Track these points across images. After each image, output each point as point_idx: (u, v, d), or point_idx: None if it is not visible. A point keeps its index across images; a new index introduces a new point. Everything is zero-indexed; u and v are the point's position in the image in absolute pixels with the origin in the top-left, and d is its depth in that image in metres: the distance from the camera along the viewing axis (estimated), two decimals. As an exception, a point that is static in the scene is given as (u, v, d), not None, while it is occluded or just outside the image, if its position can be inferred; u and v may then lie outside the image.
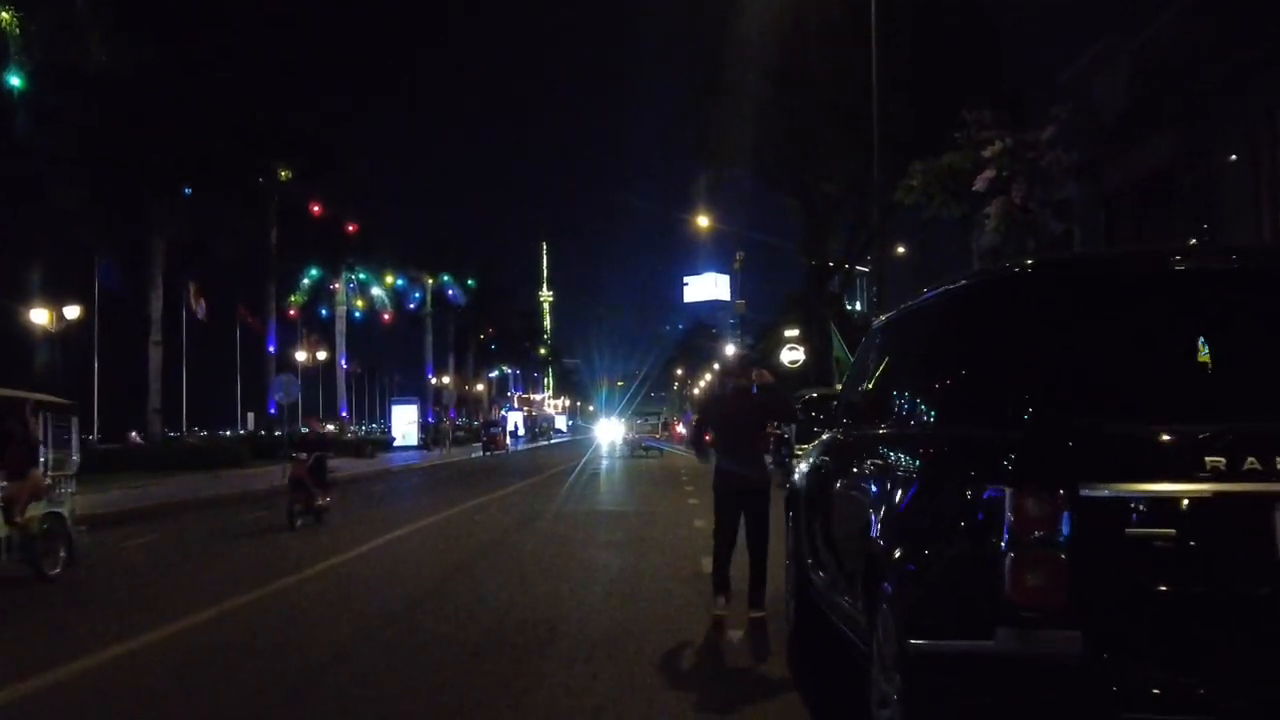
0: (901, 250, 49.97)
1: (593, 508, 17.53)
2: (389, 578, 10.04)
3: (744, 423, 7.60)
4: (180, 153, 35.24)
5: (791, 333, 50.36)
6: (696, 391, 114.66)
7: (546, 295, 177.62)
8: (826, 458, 5.80)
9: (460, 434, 70.04)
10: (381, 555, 11.60)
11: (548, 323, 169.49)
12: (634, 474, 30.49)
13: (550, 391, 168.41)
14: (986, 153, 18.47)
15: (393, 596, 8.85)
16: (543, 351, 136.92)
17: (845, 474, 5.12)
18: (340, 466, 37.27)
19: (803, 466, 6.70)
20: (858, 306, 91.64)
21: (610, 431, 56.78)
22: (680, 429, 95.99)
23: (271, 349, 48.48)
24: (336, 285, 56.09)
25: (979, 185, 18.57)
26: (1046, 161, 18.43)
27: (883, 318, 5.69)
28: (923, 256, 46.86)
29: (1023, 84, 36.60)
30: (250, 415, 58.24)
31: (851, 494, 4.88)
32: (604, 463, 36.42)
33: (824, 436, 6.31)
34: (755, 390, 7.76)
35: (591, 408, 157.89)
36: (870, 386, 5.25)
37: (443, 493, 23.07)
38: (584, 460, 37.06)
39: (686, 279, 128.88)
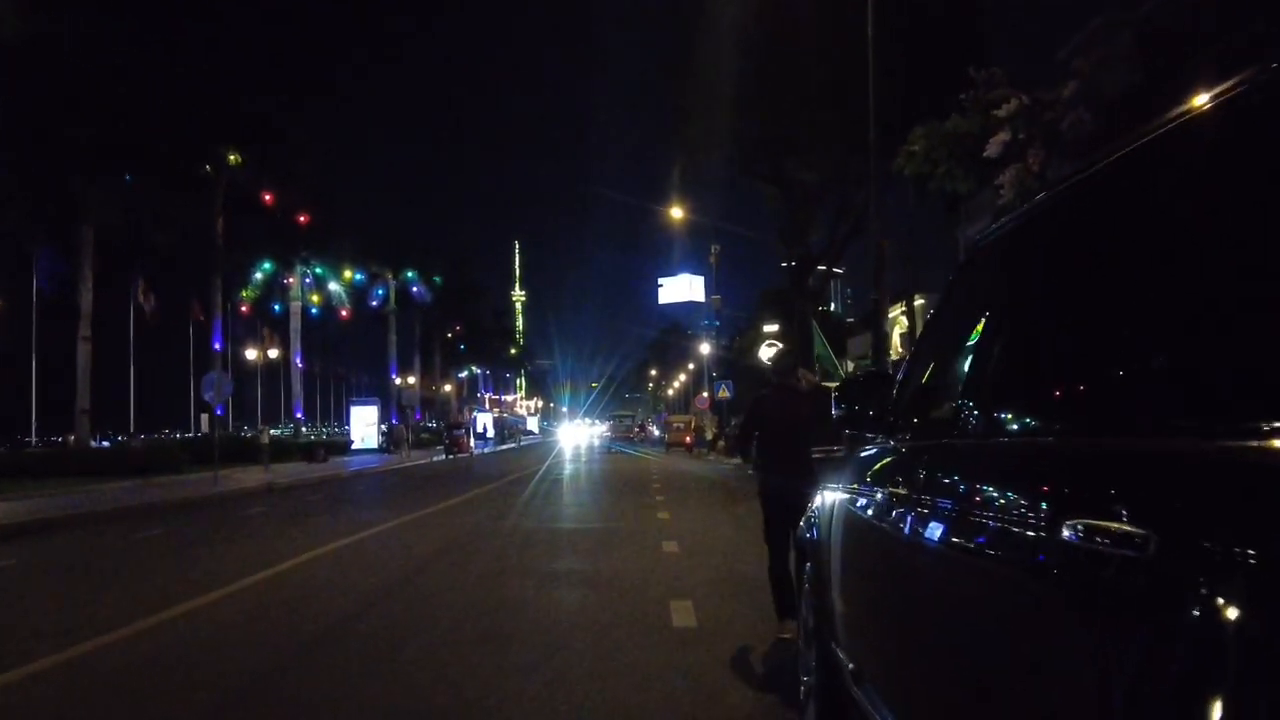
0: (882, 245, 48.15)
1: (547, 524, 14.99)
2: (218, 649, 7.25)
3: (793, 427, 7.04)
4: (111, 132, 32.40)
5: (771, 328, 48.27)
6: (670, 392, 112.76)
7: (519, 295, 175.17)
8: (880, 490, 3.24)
9: (425, 436, 67.35)
10: (247, 600, 9.00)
11: (520, 323, 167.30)
12: (600, 480, 27.98)
13: (522, 393, 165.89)
14: (1001, 111, 16.07)
15: (204, 686, 6.02)
16: (514, 352, 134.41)
17: (928, 527, 2.55)
18: (293, 472, 35.06)
19: (830, 498, 4.18)
20: (833, 308, 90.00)
21: (575, 434, 53.95)
22: (653, 429, 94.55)
23: (217, 346, 45.55)
24: (291, 280, 53.25)
25: (991, 150, 16.16)
26: (1068, 123, 16.04)
27: (997, 226, 3.04)
28: (905, 251, 45.00)
29: (1018, 64, 34.65)
30: (204, 417, 55.08)
31: (948, 571, 2.38)
32: (568, 468, 33.78)
33: (867, 451, 3.79)
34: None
35: (565, 409, 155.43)
36: (974, 361, 2.73)
37: (383, 504, 20.53)
38: (545, 466, 34.35)
39: (661, 280, 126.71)
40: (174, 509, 19.56)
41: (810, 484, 6.28)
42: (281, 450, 44.47)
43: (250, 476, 30.79)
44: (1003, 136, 16.21)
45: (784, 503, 6.66)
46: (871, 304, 17.17)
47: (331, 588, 9.34)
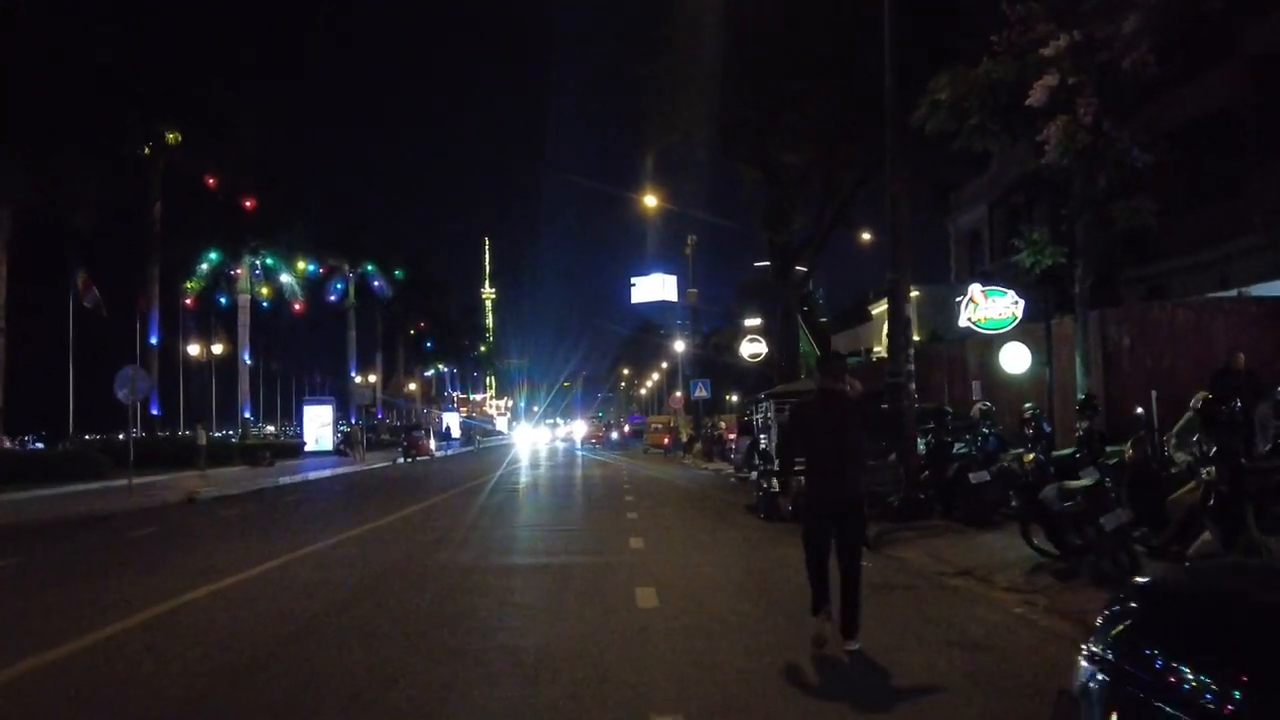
0: (867, 236, 45.47)
1: (490, 558, 11.93)
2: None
3: (844, 433, 6.66)
4: (21, 101, 28.97)
5: (752, 322, 45.42)
6: (643, 392, 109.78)
7: (489, 292, 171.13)
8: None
9: (386, 437, 63.99)
10: (61, 679, 5.94)
11: (490, 320, 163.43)
12: (566, 489, 24.94)
13: (492, 392, 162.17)
14: (1048, 50, 13.20)
15: None
16: (483, 349, 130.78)
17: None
18: (230, 478, 31.76)
19: None
20: (804, 310, 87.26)
21: (533, 438, 49.95)
22: (627, 429, 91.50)
23: (153, 340, 42.12)
24: (239, 271, 49.72)
25: (1035, 98, 13.28)
26: (1130, 63, 13.22)
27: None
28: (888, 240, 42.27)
29: None
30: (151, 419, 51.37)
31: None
32: (524, 478, 30.51)
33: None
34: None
35: (536, 408, 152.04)
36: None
37: (304, 522, 17.33)
38: (499, 475, 31.04)
39: (634, 280, 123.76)
40: (47, 529, 16.40)
41: (856, 493, 6.70)
42: (224, 453, 41.19)
43: (177, 484, 27.58)
44: (1049, 80, 13.34)
45: (826, 511, 6.60)
46: (889, 284, 14.24)
47: (131, 685, 6.26)
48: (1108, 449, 12.01)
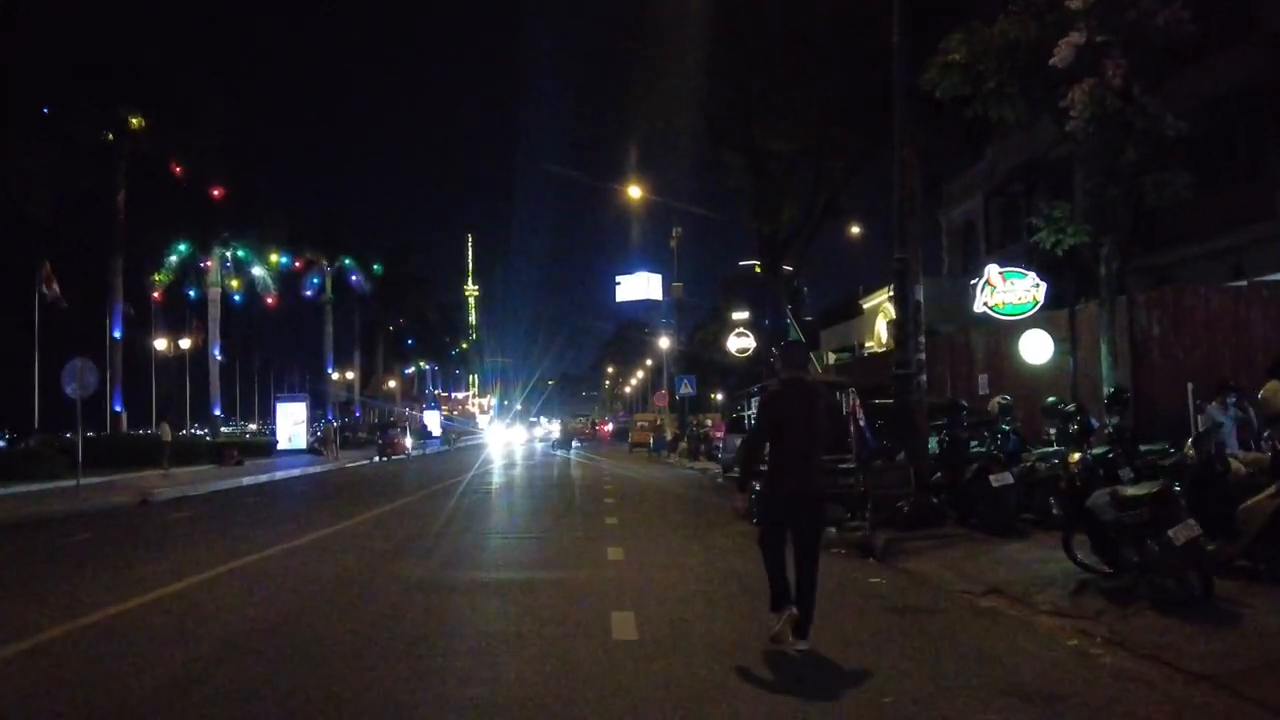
0: (856, 230, 44.16)
1: (455, 571, 10.51)
2: None
3: (812, 422, 6.51)
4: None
5: (740, 315, 43.97)
6: (628, 390, 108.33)
7: (472, 289, 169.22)
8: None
9: (363, 435, 62.36)
10: None
11: (473, 318, 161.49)
12: (542, 491, 23.53)
13: (475, 390, 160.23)
14: (1074, 3, 11.83)
15: None
16: (465, 347, 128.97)
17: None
18: (193, 478, 30.16)
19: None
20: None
21: (507, 437, 47.72)
22: (608, 429, 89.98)
23: (116, 334, 40.47)
24: (209, 263, 48.03)
25: (1060, 56, 11.93)
26: (1164, 20, 11.89)
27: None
28: (878, 231, 41.05)
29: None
30: (121, 416, 49.60)
31: None
32: (499, 479, 28.96)
33: None
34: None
35: (519, 406, 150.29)
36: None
37: (253, 528, 15.70)
38: (470, 477, 29.50)
39: (619, 278, 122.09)
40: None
41: (819, 487, 6.66)
42: (190, 451, 39.54)
43: (134, 484, 26.03)
44: (1075, 38, 11.99)
45: (787, 501, 6.45)
46: (895, 264, 12.81)
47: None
48: (1141, 448, 10.71)
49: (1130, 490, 7.50)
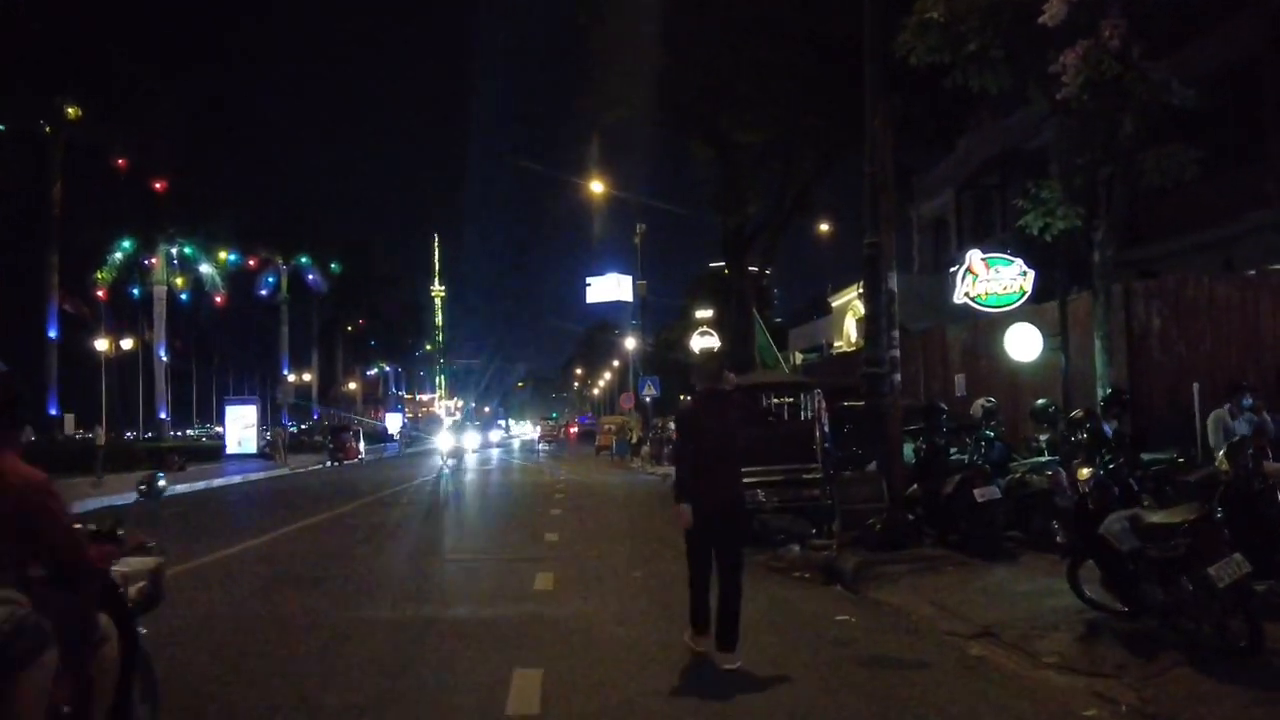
0: (825, 228, 42.93)
1: (348, 606, 8.92)
2: None
3: (728, 434, 6.54)
4: None
5: (704, 314, 42.54)
6: (596, 392, 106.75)
7: (438, 290, 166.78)
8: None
9: (319, 439, 60.46)
10: None
11: (439, 319, 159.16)
12: (489, 502, 21.99)
13: (442, 391, 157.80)
14: (1069, -47, 10.46)
15: None
16: (430, 348, 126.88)
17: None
18: (123, 486, 28.28)
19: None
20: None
21: (458, 442, 45.28)
22: (575, 430, 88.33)
23: (51, 334, 38.47)
24: (154, 260, 46.04)
25: (1050, 13, 10.56)
26: (1168, -25, 10.55)
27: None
28: (849, 228, 39.77)
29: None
30: (70, 417, 47.34)
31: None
32: (445, 488, 27.23)
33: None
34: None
35: (487, 409, 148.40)
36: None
37: (170, 543, 14.13)
38: (415, 484, 27.82)
39: (589, 280, 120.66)
40: None
41: (740, 495, 6.76)
42: (130, 457, 37.55)
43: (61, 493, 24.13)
44: (1067, -8, 10.65)
45: (710, 512, 6.34)
46: (866, 250, 11.36)
47: None
48: (1144, 457, 9.35)
49: (1156, 516, 6.07)
